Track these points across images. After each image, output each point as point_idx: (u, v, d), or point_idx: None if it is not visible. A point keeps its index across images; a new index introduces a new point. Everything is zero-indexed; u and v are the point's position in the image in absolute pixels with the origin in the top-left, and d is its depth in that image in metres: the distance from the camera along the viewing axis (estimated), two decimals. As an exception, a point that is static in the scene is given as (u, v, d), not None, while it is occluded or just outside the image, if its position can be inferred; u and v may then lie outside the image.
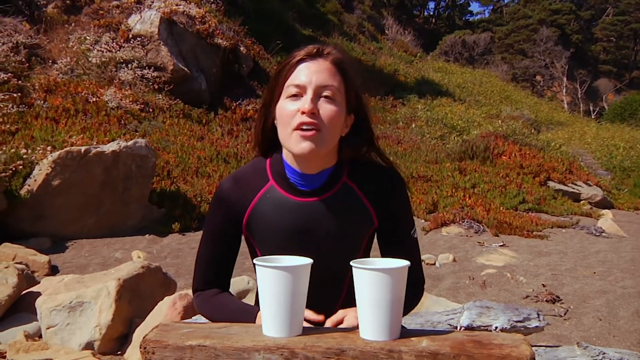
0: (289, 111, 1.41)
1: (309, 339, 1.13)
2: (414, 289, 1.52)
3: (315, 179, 1.49)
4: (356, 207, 1.50)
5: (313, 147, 1.39)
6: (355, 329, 1.24)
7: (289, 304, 1.15)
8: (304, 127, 1.38)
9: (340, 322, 1.37)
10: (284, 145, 1.45)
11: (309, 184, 1.49)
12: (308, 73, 1.42)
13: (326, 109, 1.40)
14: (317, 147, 1.40)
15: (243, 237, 1.56)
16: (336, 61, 1.46)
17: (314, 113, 1.38)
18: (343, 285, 1.54)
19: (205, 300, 1.55)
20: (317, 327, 1.22)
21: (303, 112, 1.38)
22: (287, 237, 1.47)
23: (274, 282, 1.14)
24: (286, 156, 1.50)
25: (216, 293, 1.56)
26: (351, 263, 1.18)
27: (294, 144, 1.41)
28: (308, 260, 1.20)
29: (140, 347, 1.09)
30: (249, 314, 1.44)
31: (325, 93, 1.41)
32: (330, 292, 1.54)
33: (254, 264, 1.19)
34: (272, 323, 1.16)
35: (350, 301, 1.49)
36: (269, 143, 1.54)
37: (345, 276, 1.51)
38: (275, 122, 1.49)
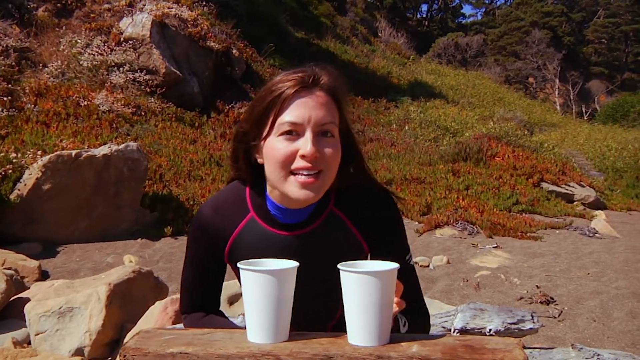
0: (285, 152, 1.26)
1: (295, 345, 1.09)
2: (420, 319, 1.44)
3: (298, 213, 1.38)
4: (344, 237, 1.40)
5: (313, 195, 1.28)
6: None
7: (274, 309, 1.11)
8: (305, 173, 1.26)
9: None
10: (275, 185, 1.32)
11: (292, 218, 1.38)
12: (305, 110, 1.26)
13: (328, 150, 1.27)
14: (317, 195, 1.29)
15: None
16: (331, 90, 1.32)
17: (316, 157, 1.25)
18: (334, 314, 1.48)
19: (192, 322, 1.47)
20: (303, 333, 1.18)
21: (304, 156, 1.24)
22: None
23: (258, 286, 1.10)
24: (270, 192, 1.38)
25: (203, 316, 1.47)
26: (338, 266, 1.14)
27: (290, 189, 1.28)
28: (294, 264, 1.16)
29: (120, 355, 1.05)
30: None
31: (325, 131, 1.28)
32: (320, 319, 1.48)
33: (238, 268, 1.15)
34: (257, 329, 1.12)
35: (341, 325, 1.43)
36: (251, 174, 1.40)
37: (337, 306, 1.41)
38: (257, 157, 1.35)
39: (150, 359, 1.04)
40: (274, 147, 1.28)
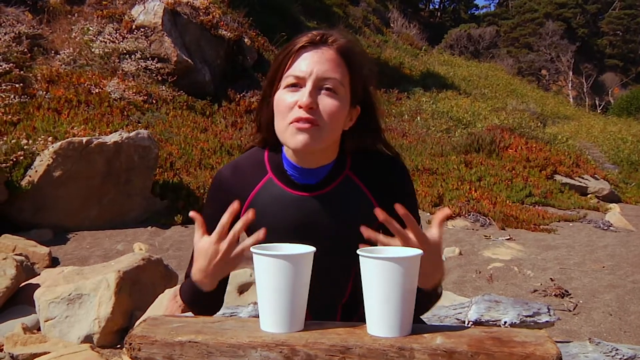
0: (287, 103, 1.30)
1: (311, 335, 1.03)
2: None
3: (314, 173, 1.39)
4: (359, 201, 1.40)
5: (308, 141, 1.28)
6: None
7: (289, 297, 1.04)
8: (300, 121, 1.28)
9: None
10: (280, 138, 1.35)
11: (308, 178, 1.39)
12: (309, 63, 1.29)
13: (326, 103, 1.29)
14: (313, 142, 1.29)
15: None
16: (341, 50, 1.33)
17: (312, 108, 1.27)
18: (348, 282, 1.45)
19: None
20: (320, 322, 1.12)
21: (300, 106, 1.27)
22: (286, 233, 1.34)
23: (272, 272, 1.04)
24: (286, 150, 1.40)
25: None
26: (358, 251, 1.08)
27: (289, 137, 1.30)
28: (310, 249, 1.10)
29: (125, 343, 0.99)
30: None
31: (327, 85, 1.29)
32: (334, 289, 1.45)
33: (251, 253, 1.09)
34: (270, 317, 1.05)
35: (355, 299, 1.39)
36: (271, 135, 1.41)
37: (350, 273, 1.42)
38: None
39: (157, 348, 0.98)
40: (279, 98, 1.33)
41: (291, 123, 1.28)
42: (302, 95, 1.27)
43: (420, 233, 1.16)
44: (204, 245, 1.25)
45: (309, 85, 1.28)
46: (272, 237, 1.36)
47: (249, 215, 1.22)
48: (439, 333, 1.05)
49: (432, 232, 1.20)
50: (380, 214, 1.15)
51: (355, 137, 1.40)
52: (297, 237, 1.32)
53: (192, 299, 1.35)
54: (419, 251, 1.07)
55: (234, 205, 1.24)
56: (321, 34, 1.34)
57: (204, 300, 1.33)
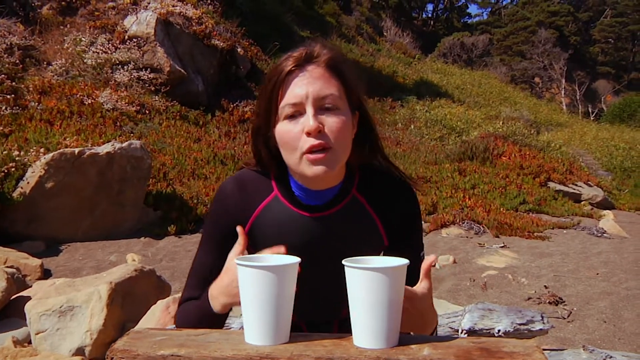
0: (293, 135, 1.25)
1: (296, 347, 1.01)
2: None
3: (322, 195, 1.36)
4: (364, 224, 1.37)
5: (326, 169, 1.25)
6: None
7: (273, 309, 1.03)
8: (314, 150, 1.24)
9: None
10: (294, 170, 1.31)
11: (315, 200, 1.36)
12: (301, 87, 1.25)
13: (332, 122, 1.24)
14: (331, 168, 1.26)
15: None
16: (329, 63, 1.29)
17: (320, 131, 1.23)
18: (345, 304, 1.42)
19: (182, 310, 1.39)
20: (305, 334, 1.10)
21: (308, 134, 1.22)
22: (289, 253, 1.33)
23: (256, 283, 1.02)
24: (293, 173, 1.36)
25: None
26: (343, 262, 1.06)
27: (305, 169, 1.26)
28: (295, 259, 1.08)
29: (107, 358, 0.97)
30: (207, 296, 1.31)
31: (327, 104, 1.25)
32: (332, 306, 1.42)
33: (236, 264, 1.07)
34: (255, 330, 1.04)
35: (349, 320, 1.38)
36: (276, 166, 1.38)
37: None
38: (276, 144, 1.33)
39: (139, 362, 0.96)
40: (281, 132, 1.27)
41: (305, 154, 1.24)
42: (307, 121, 1.23)
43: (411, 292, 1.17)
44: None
45: (309, 109, 1.24)
46: None
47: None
48: (427, 344, 1.03)
49: (423, 286, 1.20)
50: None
51: (358, 150, 1.36)
52: (301, 256, 1.30)
53: (197, 321, 1.30)
54: (405, 261, 1.06)
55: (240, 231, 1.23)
56: (303, 52, 1.29)
57: (209, 324, 1.28)
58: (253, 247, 1.35)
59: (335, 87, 1.28)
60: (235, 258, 1.11)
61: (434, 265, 1.33)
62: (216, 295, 1.27)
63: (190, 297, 1.40)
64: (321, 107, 1.25)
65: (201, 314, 1.31)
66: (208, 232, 1.42)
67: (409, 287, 1.15)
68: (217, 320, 1.30)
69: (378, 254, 1.38)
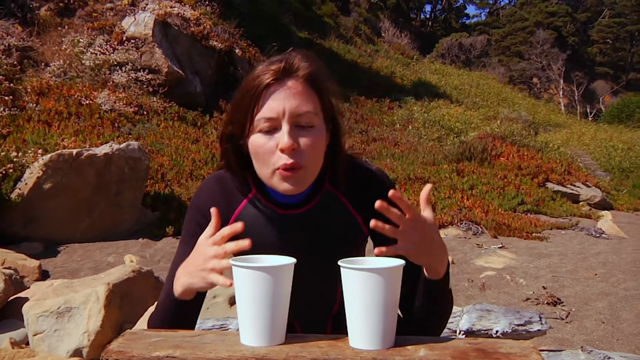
0: (266, 149, 1.25)
1: (292, 348, 1.01)
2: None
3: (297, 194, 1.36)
4: (341, 216, 1.38)
5: (296, 186, 1.27)
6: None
7: (269, 310, 1.02)
8: (287, 168, 1.24)
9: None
10: (265, 182, 1.31)
11: (290, 198, 1.36)
12: (279, 103, 1.23)
13: (307, 142, 1.24)
14: (301, 186, 1.28)
15: None
16: (308, 77, 1.27)
17: (294, 149, 1.23)
18: (336, 294, 1.43)
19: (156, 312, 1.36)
20: (301, 335, 1.10)
21: (282, 150, 1.23)
22: (271, 252, 1.33)
23: (252, 284, 1.02)
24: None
25: None
26: (339, 262, 1.06)
27: (276, 183, 1.27)
28: (291, 260, 1.08)
29: (102, 359, 0.97)
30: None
31: (303, 122, 1.24)
32: (323, 302, 1.44)
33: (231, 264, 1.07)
34: (250, 331, 1.03)
35: (342, 316, 1.38)
36: (248, 173, 1.38)
37: (337, 290, 1.40)
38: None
39: (134, 363, 0.95)
40: (255, 145, 1.27)
41: (277, 170, 1.25)
42: (282, 137, 1.22)
43: (418, 214, 1.17)
44: (205, 244, 1.20)
45: (285, 126, 1.23)
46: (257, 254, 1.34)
47: (237, 227, 1.18)
48: (423, 345, 1.03)
49: (426, 213, 1.20)
50: (373, 223, 1.13)
51: (331, 159, 1.36)
52: (283, 254, 1.30)
53: (164, 311, 1.29)
54: (401, 262, 1.06)
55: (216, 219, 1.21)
56: (282, 66, 1.26)
57: (172, 315, 1.27)
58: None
59: (312, 103, 1.27)
60: (230, 259, 1.11)
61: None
62: (179, 275, 1.25)
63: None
64: (297, 124, 1.24)
65: (163, 303, 1.29)
66: (188, 230, 1.41)
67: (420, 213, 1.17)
68: (180, 310, 1.27)
69: (359, 245, 1.40)
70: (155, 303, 3.91)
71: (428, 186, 1.21)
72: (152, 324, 1.31)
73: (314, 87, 1.29)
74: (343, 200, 1.39)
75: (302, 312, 1.36)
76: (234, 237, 1.30)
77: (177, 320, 1.28)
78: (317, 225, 1.37)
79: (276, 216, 1.36)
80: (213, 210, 1.23)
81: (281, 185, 1.26)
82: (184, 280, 1.23)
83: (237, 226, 1.17)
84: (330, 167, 1.37)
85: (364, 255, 1.42)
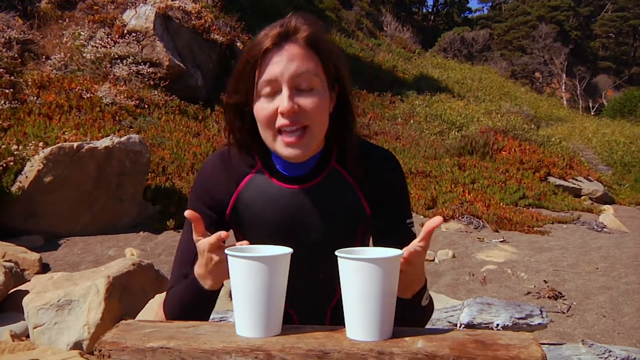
0: (268, 112, 1.26)
1: (288, 339, 1.00)
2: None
3: (303, 165, 1.35)
4: (346, 194, 1.36)
5: (300, 152, 1.27)
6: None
7: (265, 300, 1.01)
8: (287, 130, 1.25)
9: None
10: (270, 147, 1.32)
11: (296, 170, 1.36)
12: (278, 65, 1.24)
13: (307, 102, 1.24)
14: (305, 150, 1.28)
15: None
16: (308, 40, 1.27)
17: (294, 112, 1.23)
18: (336, 282, 1.40)
19: (170, 296, 1.36)
20: (298, 326, 1.08)
21: (282, 113, 1.23)
22: (274, 228, 1.32)
23: (247, 274, 1.01)
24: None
25: None
26: (336, 252, 1.04)
27: (280, 149, 1.28)
28: (287, 250, 1.07)
29: (95, 350, 0.95)
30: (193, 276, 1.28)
31: (303, 84, 1.24)
32: (323, 289, 1.41)
33: (226, 254, 1.05)
34: (246, 322, 1.02)
35: (341, 310, 1.36)
36: (254, 142, 1.37)
37: (336, 281, 1.35)
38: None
39: (127, 354, 0.94)
40: (257, 110, 1.28)
41: (278, 133, 1.26)
42: (282, 101, 1.23)
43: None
44: (204, 247, 1.20)
45: (285, 89, 1.23)
46: (260, 230, 1.33)
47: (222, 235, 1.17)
48: (421, 336, 1.02)
49: (420, 244, 1.16)
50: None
51: (333, 118, 1.34)
52: (285, 230, 1.30)
53: (189, 300, 1.28)
54: (399, 251, 1.04)
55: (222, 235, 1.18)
56: (282, 31, 1.26)
57: (202, 300, 1.27)
58: (238, 219, 1.36)
59: (313, 65, 1.27)
60: (226, 249, 1.09)
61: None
62: (203, 273, 1.25)
63: (178, 284, 1.37)
64: (297, 87, 1.25)
65: (193, 293, 1.28)
66: (193, 208, 1.36)
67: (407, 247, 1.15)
68: (210, 296, 1.28)
69: (361, 225, 1.38)
70: (156, 296, 3.83)
71: (438, 219, 1.16)
72: (171, 313, 1.32)
73: (314, 49, 1.28)
74: (349, 179, 1.38)
75: (302, 302, 1.35)
76: (236, 215, 1.35)
77: (207, 304, 1.30)
78: (320, 202, 1.35)
79: (280, 191, 1.35)
80: (187, 213, 1.21)
81: (285, 150, 1.27)
82: (209, 282, 1.25)
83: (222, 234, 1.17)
84: (338, 136, 1.36)
85: (368, 244, 1.41)
